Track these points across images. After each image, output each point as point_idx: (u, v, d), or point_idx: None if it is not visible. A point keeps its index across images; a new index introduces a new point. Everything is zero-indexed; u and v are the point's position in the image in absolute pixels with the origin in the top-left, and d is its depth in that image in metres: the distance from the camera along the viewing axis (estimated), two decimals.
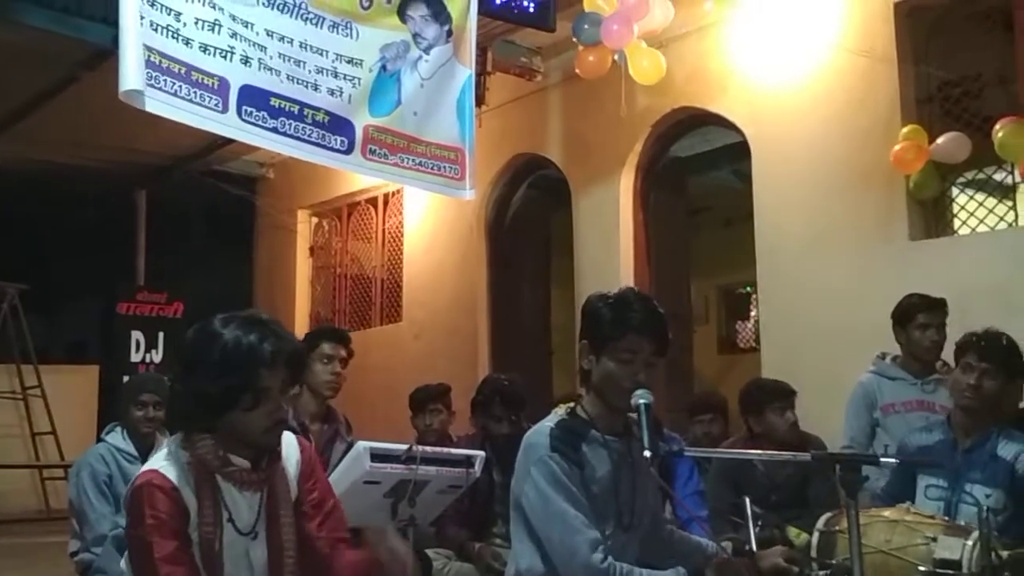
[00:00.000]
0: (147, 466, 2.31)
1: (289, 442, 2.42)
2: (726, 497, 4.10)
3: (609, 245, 7.14)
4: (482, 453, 4.07)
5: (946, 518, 3.35)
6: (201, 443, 2.27)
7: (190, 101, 4.42)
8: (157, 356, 6.89)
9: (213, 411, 2.25)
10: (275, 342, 2.28)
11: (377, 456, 3.75)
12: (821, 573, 2.72)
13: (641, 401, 2.48)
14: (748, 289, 8.77)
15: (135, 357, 6.77)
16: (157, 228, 9.42)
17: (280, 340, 2.30)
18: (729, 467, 4.29)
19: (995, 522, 3.03)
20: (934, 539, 3.07)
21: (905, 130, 5.45)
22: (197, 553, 2.24)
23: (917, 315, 4.48)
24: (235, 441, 2.29)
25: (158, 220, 9.46)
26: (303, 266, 9.91)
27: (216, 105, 4.53)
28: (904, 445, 3.82)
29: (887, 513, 3.29)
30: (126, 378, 5.41)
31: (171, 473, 2.25)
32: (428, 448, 4.06)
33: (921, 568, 3.00)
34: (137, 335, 6.81)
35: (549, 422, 2.58)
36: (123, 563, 2.35)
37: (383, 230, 9.16)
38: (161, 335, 6.91)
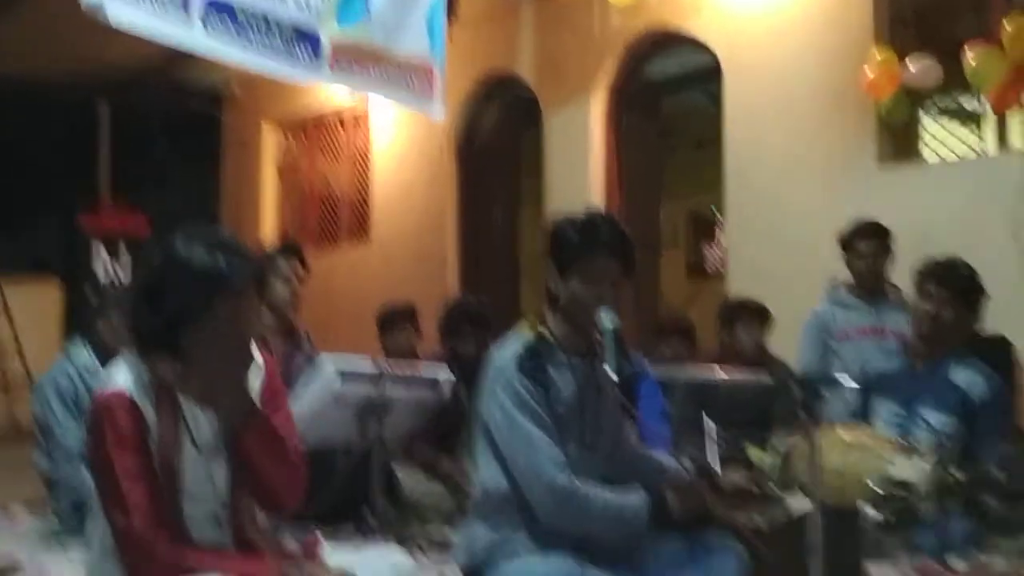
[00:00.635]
0: (107, 380, 2.27)
1: (254, 362, 2.40)
2: (690, 417, 4.17)
3: (579, 167, 7.11)
4: (450, 373, 4.11)
5: (902, 441, 3.43)
6: (161, 361, 2.24)
7: (154, 15, 4.30)
8: (121, 271, 6.81)
9: (177, 334, 2.20)
10: (239, 263, 2.25)
11: (345, 375, 3.77)
12: (780, 492, 2.79)
13: (607, 323, 2.50)
14: (715, 212, 8.79)
15: (99, 272, 6.69)
16: (121, 142, 9.25)
17: (244, 261, 2.26)
18: (694, 387, 4.36)
19: (949, 446, 3.12)
20: (890, 461, 3.16)
21: (878, 56, 5.42)
22: (158, 470, 2.21)
23: (857, 241, 4.55)
24: (195, 360, 2.23)
25: (122, 134, 9.28)
26: (269, 184, 9.79)
27: (181, 19, 4.41)
28: (861, 369, 3.90)
29: (845, 435, 3.38)
30: (89, 293, 5.34)
31: (131, 389, 2.22)
32: (395, 367, 4.09)
33: (877, 489, 3.09)
34: (100, 250, 6.71)
35: (515, 342, 2.60)
36: (89, 479, 2.34)
37: (351, 149, 9.05)
38: (125, 250, 6.81)
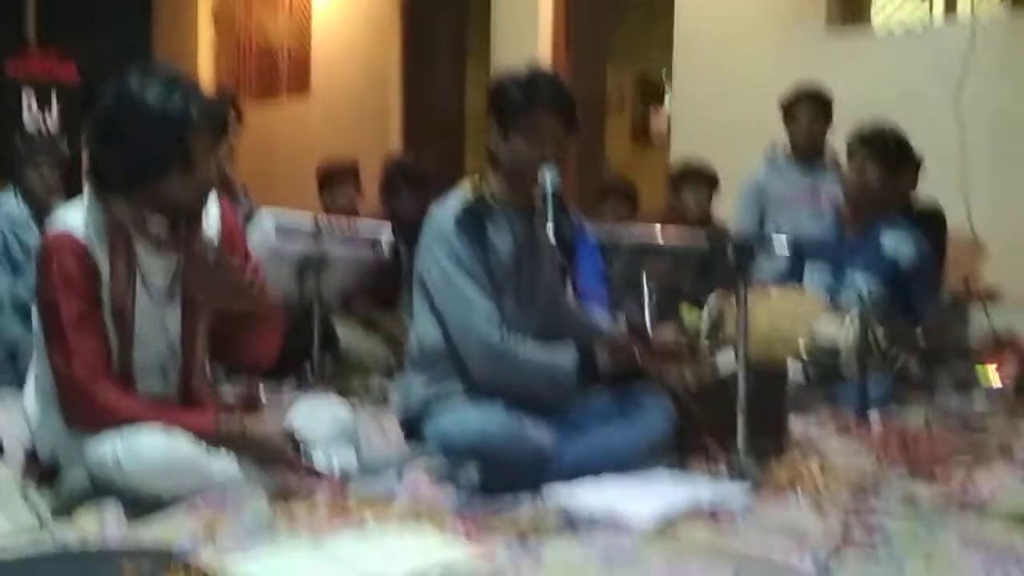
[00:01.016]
0: (57, 222, 2.23)
1: (211, 207, 2.35)
2: (628, 278, 4.23)
3: (528, 25, 6.94)
4: (389, 230, 4.10)
5: (829, 303, 3.53)
6: (118, 204, 2.20)
7: None
8: (51, 119, 6.56)
9: (140, 178, 2.17)
10: (200, 104, 2.19)
11: (283, 230, 3.73)
12: (710, 351, 2.87)
13: (548, 178, 2.50)
14: (663, 78, 8.70)
15: (27, 120, 6.44)
16: None
17: (203, 102, 2.21)
18: (633, 248, 4.40)
19: (873, 306, 3.21)
20: (816, 321, 3.26)
21: None
22: (108, 316, 2.21)
23: (796, 106, 4.57)
24: (155, 204, 2.21)
25: None
26: (205, 32, 9.43)
27: None
28: (795, 236, 3.96)
29: (774, 294, 3.46)
30: (17, 141, 5.17)
31: (82, 233, 2.18)
32: (335, 223, 4.06)
33: (803, 348, 3.19)
34: (29, 97, 6.45)
35: (454, 200, 2.58)
36: (35, 323, 2.31)
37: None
38: (55, 96, 6.56)
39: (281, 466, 2.28)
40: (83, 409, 2.19)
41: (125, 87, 2.18)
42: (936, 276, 3.94)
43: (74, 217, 2.22)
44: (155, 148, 2.15)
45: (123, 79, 2.20)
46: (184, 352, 2.34)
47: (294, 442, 2.31)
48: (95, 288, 2.19)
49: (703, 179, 4.61)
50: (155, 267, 2.27)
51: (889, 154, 3.72)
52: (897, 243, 3.71)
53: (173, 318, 2.31)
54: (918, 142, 4.62)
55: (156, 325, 2.28)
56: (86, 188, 2.25)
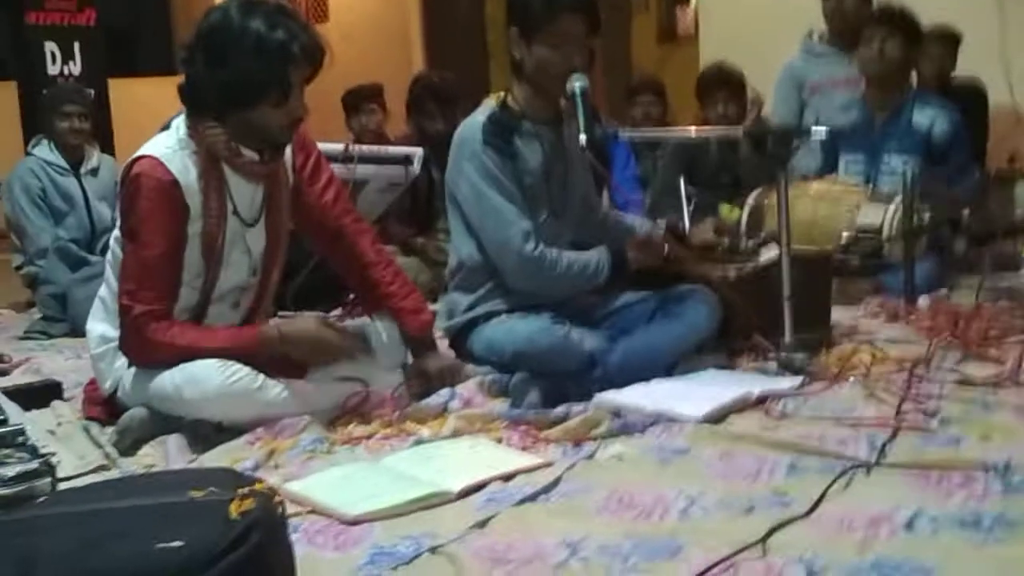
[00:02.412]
0: (146, 151, 2.24)
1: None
2: (675, 181, 4.16)
3: None
4: (420, 150, 4.07)
5: (870, 187, 3.47)
6: (212, 132, 2.23)
7: None
8: (75, 67, 6.53)
9: (238, 103, 2.20)
10: (303, 38, 2.20)
11: None
12: (749, 243, 2.84)
13: (577, 84, 2.45)
14: None
15: (52, 69, 6.41)
16: None
17: (308, 36, 2.22)
18: (681, 151, 4.33)
19: (915, 189, 3.15)
20: (857, 206, 3.21)
21: None
22: (199, 244, 2.25)
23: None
24: (246, 133, 2.25)
25: None
26: None
27: None
28: (829, 125, 3.88)
29: (814, 185, 3.41)
30: (45, 91, 5.17)
31: (173, 164, 2.21)
32: (365, 147, 4.04)
33: (845, 233, 3.15)
34: (51, 46, 6.42)
35: (480, 115, 2.55)
36: (115, 244, 2.34)
37: None
38: (76, 45, 6.53)
39: (330, 351, 2.32)
40: (139, 343, 2.24)
41: (228, 13, 2.19)
42: (971, 147, 3.84)
43: (164, 145, 2.25)
44: (256, 74, 2.17)
45: (227, 5, 2.21)
46: (263, 276, 2.40)
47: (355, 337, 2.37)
48: (182, 224, 2.22)
49: (731, 85, 4.32)
50: (244, 194, 2.32)
51: (903, 22, 3.65)
52: (930, 116, 3.64)
53: (257, 241, 2.37)
54: (954, 17, 4.47)
55: (241, 250, 2.34)
56: (177, 119, 2.28)
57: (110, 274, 2.37)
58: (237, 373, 2.18)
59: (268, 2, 2.24)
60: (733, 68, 4.38)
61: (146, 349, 2.23)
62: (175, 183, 2.20)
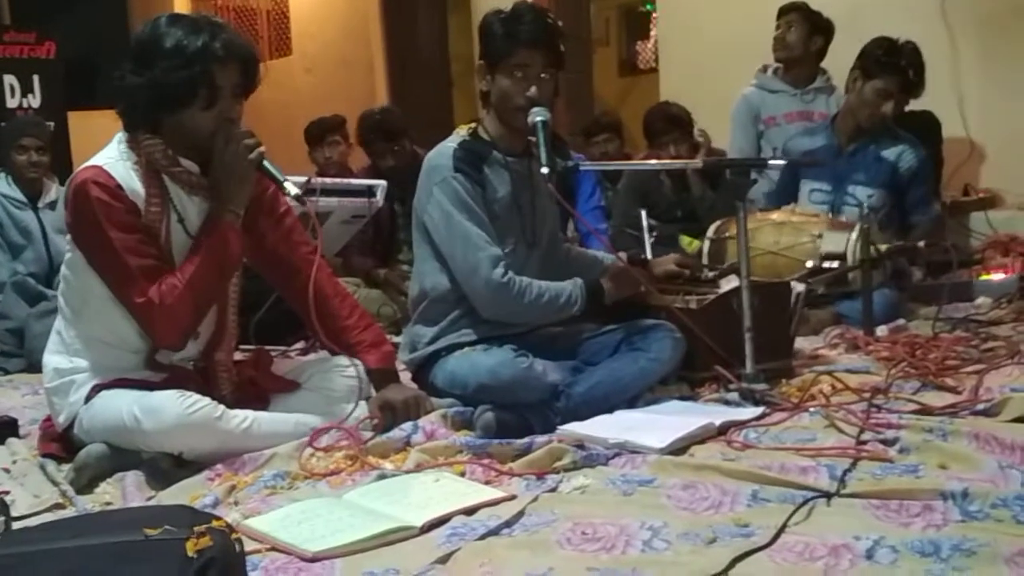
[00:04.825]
0: (87, 163, 2.25)
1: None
2: (632, 214, 4.19)
3: None
4: (383, 182, 4.07)
5: (830, 215, 3.51)
6: (148, 142, 2.24)
7: None
8: (35, 100, 6.49)
9: (165, 106, 2.20)
10: (227, 39, 2.22)
11: (300, 199, 3.70)
12: (711, 274, 2.86)
13: (538, 119, 2.48)
14: (649, 7, 8.59)
15: (11, 102, 6.36)
16: None
17: (233, 39, 2.25)
18: (635, 184, 4.36)
19: (875, 219, 3.20)
20: (819, 235, 3.24)
21: None
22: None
23: (777, 18, 4.54)
24: (183, 143, 2.25)
25: None
26: (182, 2, 9.31)
27: None
28: (788, 149, 3.93)
29: (774, 216, 3.45)
30: (3, 124, 5.13)
31: (116, 171, 2.21)
32: (327, 179, 4.04)
33: (808, 263, 3.18)
34: (10, 79, 6.38)
35: (451, 142, 2.58)
36: (68, 271, 2.32)
37: None
38: (36, 77, 6.49)
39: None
40: (163, 320, 2.23)
41: (155, 23, 2.24)
42: (933, 178, 3.90)
43: (105, 156, 2.25)
44: (180, 75, 2.18)
45: (155, 17, 2.26)
46: (218, 301, 2.37)
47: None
48: (136, 218, 2.22)
49: (680, 126, 4.30)
50: (189, 207, 2.30)
51: (906, 78, 3.63)
52: (897, 150, 3.69)
53: None
54: None
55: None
56: (117, 135, 2.29)
57: (63, 304, 2.34)
58: (197, 403, 2.15)
59: (198, 14, 2.29)
60: (680, 109, 4.38)
61: (171, 318, 2.22)
62: (119, 187, 2.20)
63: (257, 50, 2.36)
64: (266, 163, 2.30)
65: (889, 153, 3.69)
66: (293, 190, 2.29)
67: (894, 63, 3.61)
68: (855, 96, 3.71)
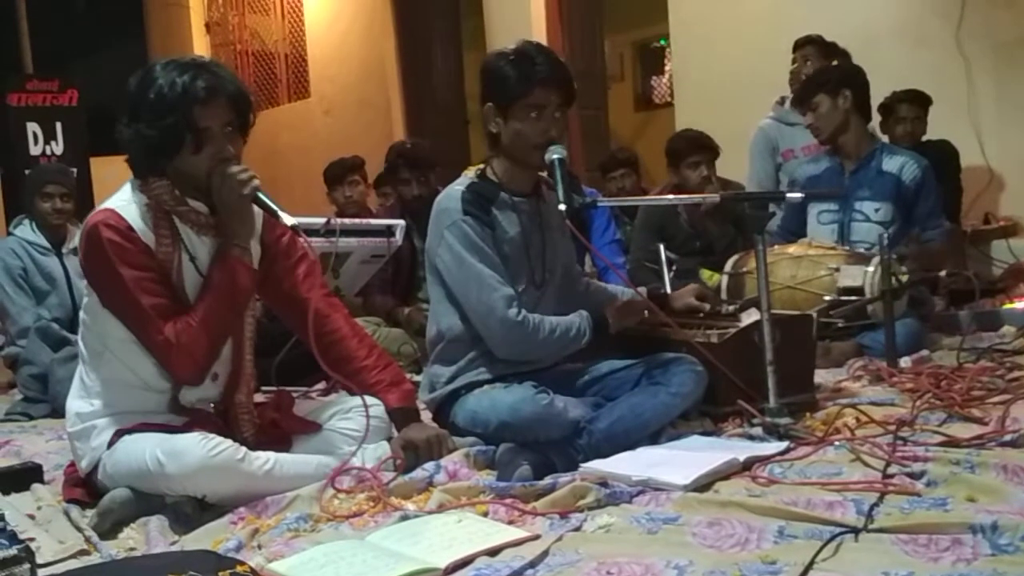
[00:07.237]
0: (100, 207, 2.28)
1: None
2: (650, 248, 4.19)
3: (520, 3, 6.91)
4: (402, 221, 4.10)
5: (847, 248, 3.50)
6: (156, 185, 2.27)
7: None
8: (58, 147, 6.59)
9: (158, 154, 2.23)
10: (210, 79, 2.23)
11: (294, 230, 3.73)
12: (731, 308, 2.84)
13: (555, 156, 2.49)
14: (663, 42, 8.64)
15: (34, 150, 6.47)
16: (40, 12, 8.82)
17: (217, 78, 2.25)
18: (653, 218, 4.36)
19: (888, 233, 3.17)
20: (837, 269, 3.23)
21: None
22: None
23: (795, 51, 4.58)
24: (188, 185, 2.28)
25: (40, 3, 8.84)
26: (200, 44, 9.45)
27: None
28: (795, 179, 3.92)
29: (791, 249, 3.44)
30: (28, 171, 5.20)
31: (128, 213, 2.24)
32: (347, 220, 4.07)
33: (826, 297, 3.17)
34: (33, 127, 6.47)
35: (459, 186, 2.59)
36: (87, 315, 2.34)
37: (281, 2, 8.71)
38: (59, 125, 6.58)
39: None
40: (177, 357, 2.25)
41: (145, 72, 2.26)
42: (941, 195, 3.87)
43: (117, 199, 2.29)
44: (164, 122, 2.20)
45: (149, 65, 2.28)
46: (234, 340, 2.38)
47: None
48: (149, 258, 2.24)
49: (697, 150, 4.28)
50: (199, 247, 2.32)
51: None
52: (899, 162, 3.68)
53: None
54: (924, 81, 4.58)
55: None
56: (128, 182, 2.33)
57: (83, 348, 2.36)
58: (220, 446, 2.16)
59: (190, 57, 2.29)
60: (703, 133, 4.37)
61: (188, 356, 2.25)
62: (131, 228, 2.23)
63: (245, 85, 2.35)
64: (261, 195, 2.30)
65: (891, 165, 3.69)
66: (289, 220, 2.31)
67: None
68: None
